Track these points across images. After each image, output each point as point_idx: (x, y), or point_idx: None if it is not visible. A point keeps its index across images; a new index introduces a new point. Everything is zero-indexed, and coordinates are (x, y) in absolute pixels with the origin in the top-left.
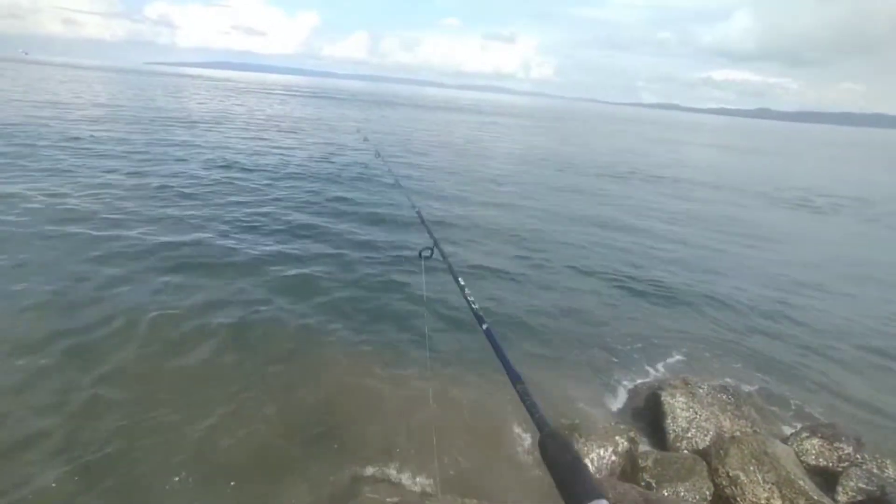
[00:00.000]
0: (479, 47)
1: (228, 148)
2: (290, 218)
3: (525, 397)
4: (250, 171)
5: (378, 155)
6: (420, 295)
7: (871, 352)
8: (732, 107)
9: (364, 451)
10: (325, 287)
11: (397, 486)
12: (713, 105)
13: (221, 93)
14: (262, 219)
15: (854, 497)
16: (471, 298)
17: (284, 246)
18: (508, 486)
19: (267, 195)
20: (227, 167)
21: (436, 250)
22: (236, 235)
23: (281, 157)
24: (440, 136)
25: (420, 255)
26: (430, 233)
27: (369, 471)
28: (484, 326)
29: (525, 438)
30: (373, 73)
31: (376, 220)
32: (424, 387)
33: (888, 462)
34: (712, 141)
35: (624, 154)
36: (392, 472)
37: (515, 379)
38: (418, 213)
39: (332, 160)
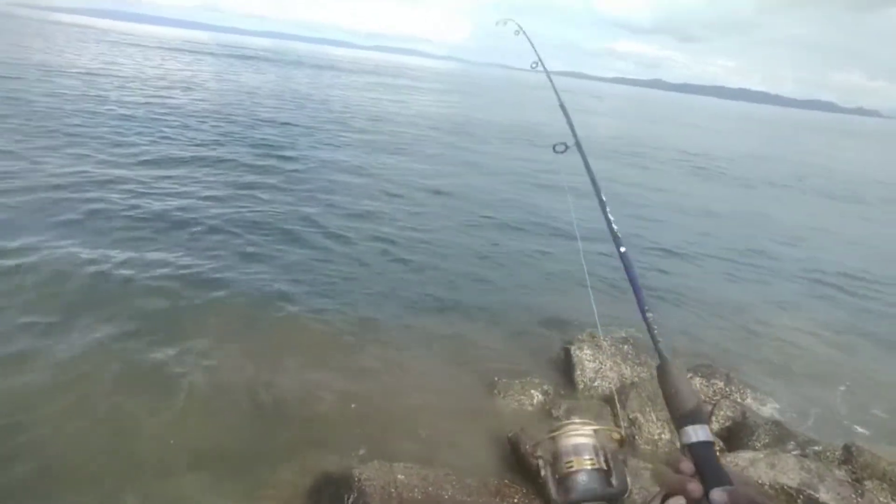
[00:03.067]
0: (394, 7)
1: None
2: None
3: (651, 328)
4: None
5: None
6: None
7: (740, 297)
8: (631, 76)
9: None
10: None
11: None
12: (616, 74)
13: (108, 47)
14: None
15: (724, 423)
16: (611, 217)
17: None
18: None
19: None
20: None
21: (572, 146)
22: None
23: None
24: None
25: (554, 148)
26: (570, 125)
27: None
28: (622, 249)
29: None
30: (281, 30)
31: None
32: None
33: (747, 391)
34: (609, 109)
35: (526, 121)
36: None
37: (644, 308)
38: (561, 105)
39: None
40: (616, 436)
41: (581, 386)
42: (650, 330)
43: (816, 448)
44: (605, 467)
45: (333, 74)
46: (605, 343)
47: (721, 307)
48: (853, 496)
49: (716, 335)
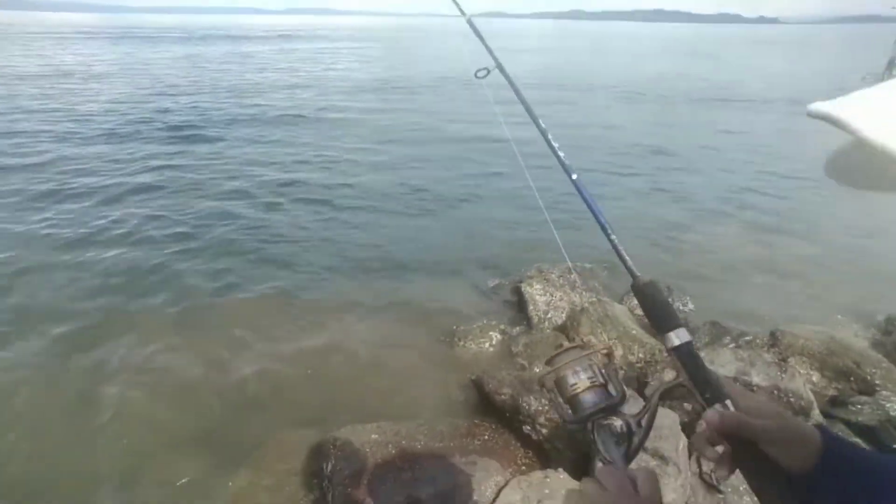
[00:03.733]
0: None
1: None
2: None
3: (617, 247)
4: None
5: None
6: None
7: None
8: (553, 9)
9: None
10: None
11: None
12: (535, 10)
13: None
14: None
15: None
16: (556, 144)
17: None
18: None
19: None
20: None
21: (494, 69)
22: None
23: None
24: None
25: (476, 75)
26: (487, 47)
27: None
28: (574, 177)
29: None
30: (187, 4)
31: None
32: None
33: (688, 298)
34: (530, 46)
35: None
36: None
37: (608, 230)
38: (469, 21)
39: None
40: (604, 352)
41: (535, 320)
42: (617, 250)
43: (748, 338)
44: (602, 381)
45: (246, 45)
46: (553, 276)
47: (644, 222)
48: (779, 374)
49: (647, 249)
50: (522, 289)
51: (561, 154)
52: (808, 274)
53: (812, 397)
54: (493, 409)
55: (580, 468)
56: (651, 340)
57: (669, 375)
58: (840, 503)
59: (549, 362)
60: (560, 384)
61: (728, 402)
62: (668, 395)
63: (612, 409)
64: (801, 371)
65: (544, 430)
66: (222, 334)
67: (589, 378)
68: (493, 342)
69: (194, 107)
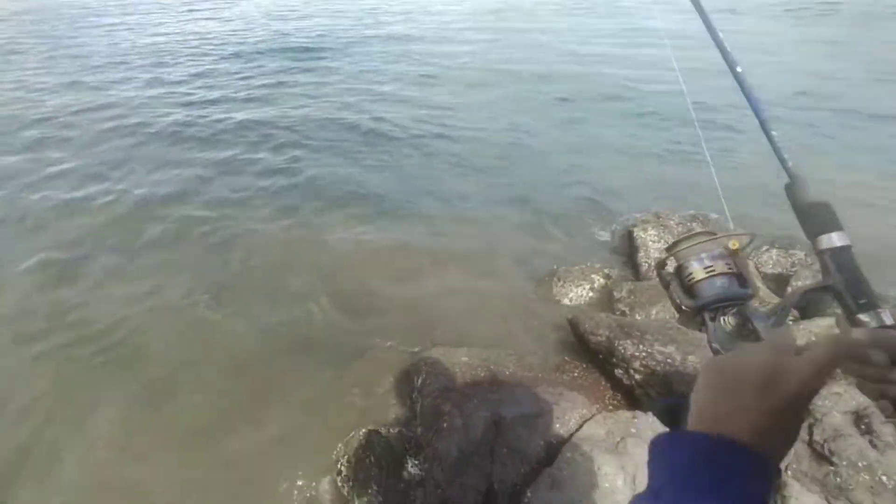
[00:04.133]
0: None
1: None
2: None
3: (776, 146)
4: None
5: None
6: None
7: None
8: None
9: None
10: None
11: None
12: None
13: None
14: None
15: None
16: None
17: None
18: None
19: None
20: None
21: None
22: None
23: None
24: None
25: None
26: None
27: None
28: (738, 69)
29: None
30: None
31: None
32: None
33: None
34: None
35: None
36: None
37: (769, 127)
38: None
39: None
40: (736, 244)
41: (644, 268)
42: (776, 149)
43: None
44: (728, 270)
45: None
46: (671, 222)
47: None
48: None
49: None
50: (634, 234)
51: (726, 44)
52: None
53: None
54: (587, 350)
55: (670, 418)
56: (774, 300)
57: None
58: None
59: (672, 246)
60: (681, 270)
61: (884, 312)
62: (811, 301)
63: (740, 300)
64: None
65: (638, 376)
66: (318, 261)
67: (726, 264)
68: (595, 285)
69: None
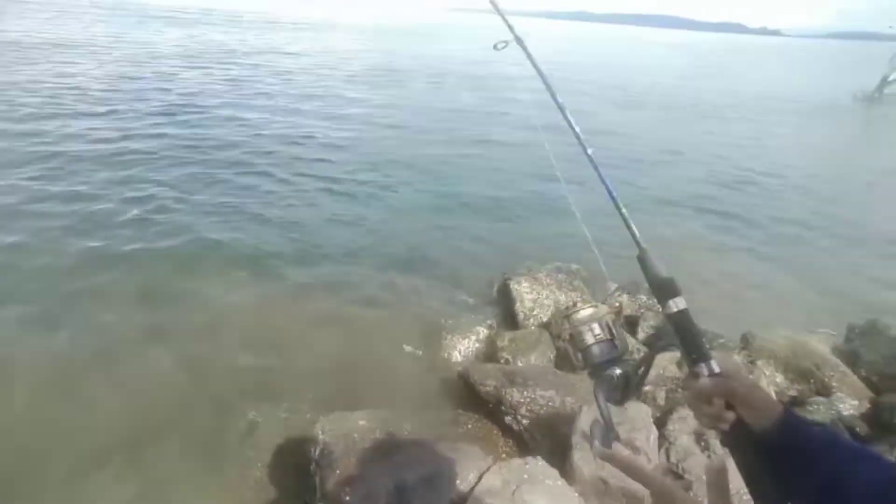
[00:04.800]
0: None
1: None
2: None
3: (628, 221)
4: None
5: None
6: None
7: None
8: (557, 9)
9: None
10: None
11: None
12: (540, 8)
13: None
14: None
15: (649, 332)
16: (571, 120)
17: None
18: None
19: None
20: None
21: (512, 41)
22: None
23: None
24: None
25: (495, 47)
26: (505, 20)
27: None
28: (589, 151)
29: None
30: None
31: None
32: None
33: None
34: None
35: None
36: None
37: (619, 204)
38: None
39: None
40: (612, 311)
41: (521, 317)
42: (627, 223)
43: (721, 340)
44: (609, 336)
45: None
46: (541, 275)
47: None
48: (747, 375)
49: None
50: (510, 286)
51: (577, 129)
52: (783, 282)
53: (773, 397)
54: (478, 400)
55: (557, 456)
56: (630, 340)
57: None
58: (798, 464)
59: (566, 317)
60: (575, 336)
61: (712, 361)
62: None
63: (616, 360)
64: (767, 372)
65: (525, 421)
66: (203, 322)
67: (600, 333)
68: (480, 336)
69: (193, 92)
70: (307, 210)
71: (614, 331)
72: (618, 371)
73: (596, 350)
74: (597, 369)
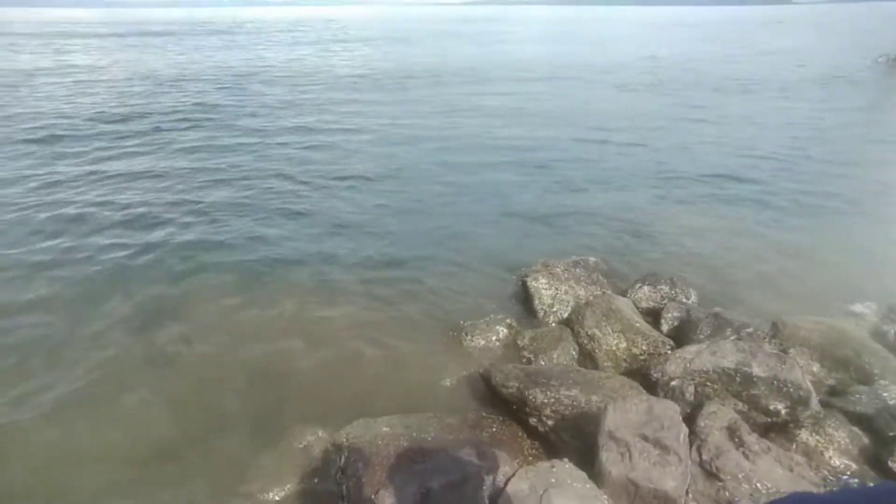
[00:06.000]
0: None
1: None
2: None
3: None
4: None
5: None
6: None
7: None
8: None
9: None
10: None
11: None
12: None
13: None
14: None
15: (672, 324)
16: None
17: None
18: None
19: None
20: None
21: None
22: None
23: None
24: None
25: (877, 60)
26: None
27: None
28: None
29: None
30: None
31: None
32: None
33: (690, 290)
34: (538, 34)
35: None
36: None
37: None
38: None
39: None
40: None
41: (541, 314)
42: None
43: (749, 329)
44: None
45: (250, 39)
46: (558, 270)
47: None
48: (779, 365)
49: (644, 244)
50: (528, 283)
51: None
52: (811, 262)
53: (811, 387)
54: (501, 402)
55: (585, 458)
56: (654, 333)
57: (672, 367)
58: None
59: None
60: None
61: None
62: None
63: None
64: (801, 361)
65: (550, 422)
66: (225, 330)
67: None
68: (500, 336)
69: (207, 108)
70: (320, 216)
71: None
72: None
73: None
74: None
